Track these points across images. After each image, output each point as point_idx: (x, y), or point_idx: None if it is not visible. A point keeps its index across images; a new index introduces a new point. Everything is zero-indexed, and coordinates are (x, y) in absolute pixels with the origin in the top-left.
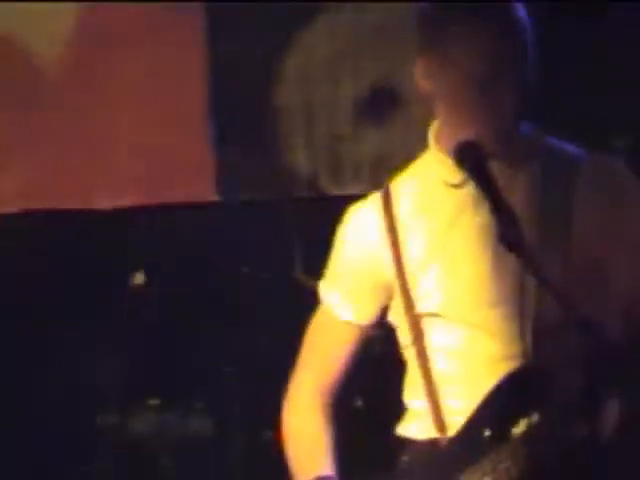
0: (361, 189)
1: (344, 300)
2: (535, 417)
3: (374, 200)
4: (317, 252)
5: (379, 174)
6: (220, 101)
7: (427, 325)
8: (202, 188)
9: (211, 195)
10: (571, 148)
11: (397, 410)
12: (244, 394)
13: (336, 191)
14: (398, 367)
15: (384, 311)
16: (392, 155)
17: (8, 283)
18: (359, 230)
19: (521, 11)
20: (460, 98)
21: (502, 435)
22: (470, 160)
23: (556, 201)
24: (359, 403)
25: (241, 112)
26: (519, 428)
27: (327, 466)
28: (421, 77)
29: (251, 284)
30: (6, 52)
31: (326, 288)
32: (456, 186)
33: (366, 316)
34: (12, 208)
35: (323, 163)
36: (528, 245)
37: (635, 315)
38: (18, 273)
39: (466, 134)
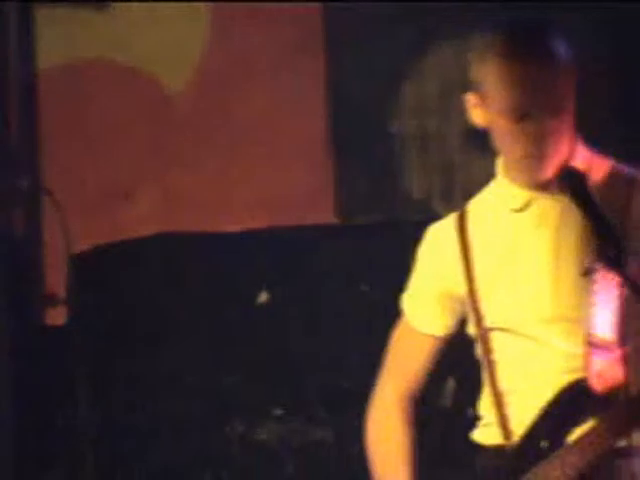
0: None
1: (423, 313)
2: (590, 426)
3: (451, 220)
4: None
5: None
6: (340, 131)
7: (495, 338)
8: (324, 211)
9: (332, 217)
10: (625, 168)
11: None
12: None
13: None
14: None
15: (462, 324)
16: None
17: (143, 304)
18: (437, 247)
19: (560, 42)
20: (509, 131)
21: (558, 446)
22: (572, 184)
23: (615, 217)
24: None
25: (360, 141)
26: (574, 437)
27: (408, 474)
28: (474, 112)
29: (369, 302)
30: (136, 83)
31: (407, 301)
32: (518, 210)
33: (442, 328)
34: (146, 232)
35: (436, 187)
36: (624, 262)
37: None
38: (150, 294)
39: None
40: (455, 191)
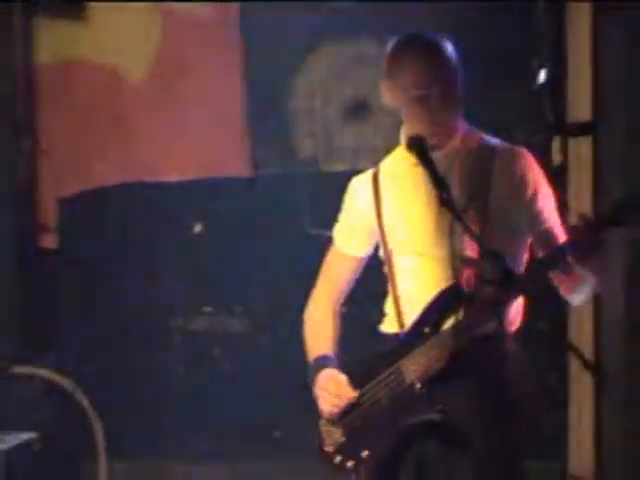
0: (343, 168)
1: (348, 240)
2: (458, 318)
3: (368, 174)
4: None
5: (356, 159)
6: (253, 107)
7: (394, 257)
8: (239, 165)
9: (248, 171)
10: (493, 139)
11: None
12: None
13: (327, 169)
14: None
15: (375, 249)
16: (365, 146)
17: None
18: (357, 194)
19: (449, 47)
20: (408, 109)
21: (436, 331)
22: (416, 146)
23: (480, 175)
24: None
25: (267, 113)
26: (447, 325)
27: (330, 349)
28: (387, 94)
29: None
30: (105, 74)
31: (336, 232)
32: (416, 165)
33: (361, 251)
34: (112, 183)
35: (321, 149)
36: (456, 204)
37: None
38: (115, 227)
39: (415, 132)
40: (333, 152)
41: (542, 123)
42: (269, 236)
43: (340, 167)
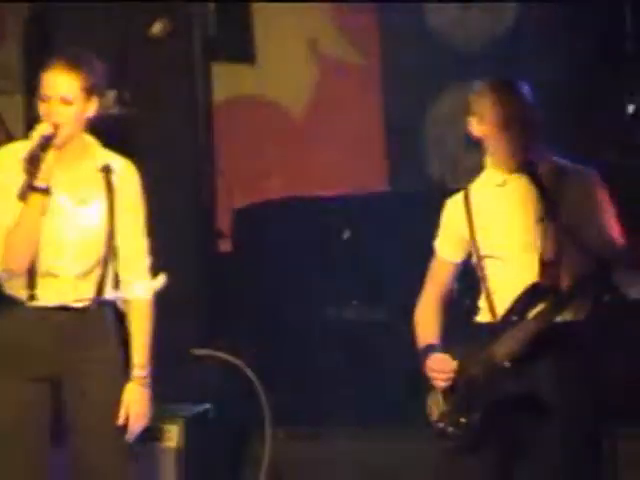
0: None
1: (446, 248)
2: (540, 307)
3: (460, 194)
4: None
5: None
6: (391, 133)
7: (486, 261)
8: (379, 181)
9: (387, 186)
10: (564, 161)
11: None
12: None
13: (452, 186)
14: None
15: (468, 255)
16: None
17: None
18: (453, 210)
19: (525, 88)
20: (493, 140)
21: (522, 319)
22: (527, 168)
23: (554, 192)
24: None
25: (407, 138)
26: (531, 314)
27: (436, 339)
28: (475, 127)
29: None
30: (270, 110)
31: (437, 243)
32: (500, 185)
33: (457, 257)
34: (276, 197)
35: (448, 169)
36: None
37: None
38: (279, 235)
39: (499, 158)
40: (458, 172)
41: (632, 148)
42: (405, 242)
43: (463, 185)
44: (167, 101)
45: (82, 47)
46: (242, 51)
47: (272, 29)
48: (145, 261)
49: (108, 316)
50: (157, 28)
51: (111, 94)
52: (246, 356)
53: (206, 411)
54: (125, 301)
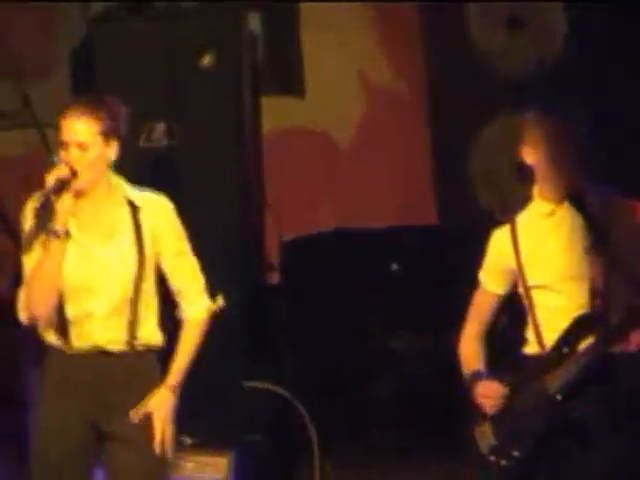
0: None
1: (491, 280)
2: (590, 339)
3: (507, 226)
4: None
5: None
6: (439, 165)
7: (534, 293)
8: (426, 213)
9: (434, 219)
10: (608, 192)
11: None
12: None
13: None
14: None
15: (513, 287)
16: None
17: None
18: (499, 241)
19: (576, 116)
20: (543, 170)
21: (574, 350)
22: (575, 199)
23: (601, 223)
24: None
25: (455, 168)
26: (582, 346)
27: (481, 366)
28: (526, 156)
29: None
30: (319, 141)
31: (482, 274)
32: (547, 216)
33: (503, 289)
34: (325, 229)
35: (497, 201)
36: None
37: None
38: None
39: (549, 188)
40: (506, 204)
41: None
42: (451, 272)
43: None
44: (215, 133)
45: (131, 79)
46: (290, 82)
47: (320, 60)
48: (200, 279)
49: (146, 362)
50: (206, 60)
51: (160, 126)
52: (294, 388)
53: (255, 443)
54: (180, 319)
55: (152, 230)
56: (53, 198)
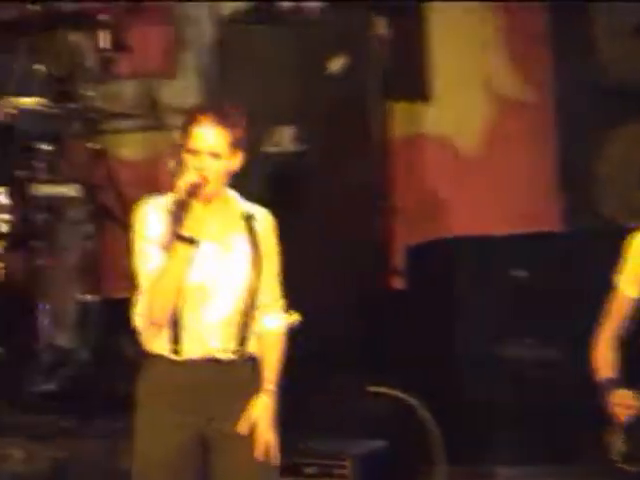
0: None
1: (629, 283)
2: None
3: None
4: None
5: None
6: (563, 172)
7: None
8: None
9: (559, 226)
10: None
11: None
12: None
13: (625, 225)
14: None
15: None
16: None
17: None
18: (634, 247)
19: None
20: None
21: None
22: None
23: None
24: None
25: (581, 177)
26: None
27: (615, 373)
28: None
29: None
30: (443, 148)
31: (619, 279)
32: None
33: (638, 293)
34: (450, 234)
35: (621, 208)
36: None
37: None
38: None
39: None
40: (631, 211)
41: None
42: (577, 280)
43: (636, 223)
44: (343, 138)
45: (258, 83)
46: (418, 89)
47: (448, 67)
48: (280, 298)
49: (254, 371)
50: (335, 65)
51: (289, 131)
52: (417, 393)
53: (379, 448)
54: (258, 336)
55: (263, 244)
56: (188, 203)
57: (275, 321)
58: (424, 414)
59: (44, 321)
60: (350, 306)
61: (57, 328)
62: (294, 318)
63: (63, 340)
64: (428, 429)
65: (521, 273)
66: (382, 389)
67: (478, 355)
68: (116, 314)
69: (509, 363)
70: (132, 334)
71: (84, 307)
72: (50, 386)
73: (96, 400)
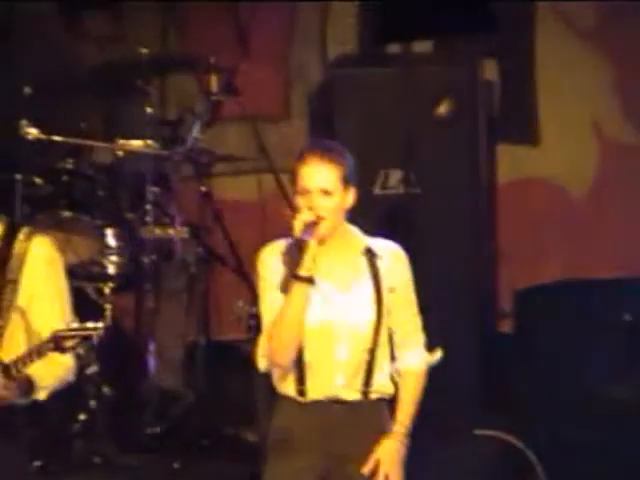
0: None
1: None
2: None
3: None
4: None
5: None
6: None
7: None
8: None
9: None
10: None
11: None
12: None
13: None
14: None
15: None
16: None
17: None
18: None
19: None
20: None
21: None
22: None
23: None
24: None
25: None
26: None
27: None
28: None
29: None
30: (551, 192)
31: None
32: None
33: None
34: (556, 278)
35: None
36: None
37: None
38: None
39: None
40: None
41: None
42: None
43: None
44: (451, 181)
45: (367, 125)
46: (526, 132)
47: (556, 111)
48: (421, 336)
49: (379, 412)
50: (443, 109)
51: (396, 174)
52: (524, 436)
53: None
54: (398, 373)
55: (389, 280)
56: (306, 242)
57: (415, 359)
58: (532, 458)
59: (152, 363)
60: (456, 349)
61: (164, 370)
62: (436, 356)
63: (170, 381)
64: (536, 474)
65: (627, 317)
66: (489, 431)
67: (584, 398)
68: (223, 356)
69: (618, 406)
70: (238, 376)
71: (191, 349)
72: (156, 429)
73: (202, 442)
